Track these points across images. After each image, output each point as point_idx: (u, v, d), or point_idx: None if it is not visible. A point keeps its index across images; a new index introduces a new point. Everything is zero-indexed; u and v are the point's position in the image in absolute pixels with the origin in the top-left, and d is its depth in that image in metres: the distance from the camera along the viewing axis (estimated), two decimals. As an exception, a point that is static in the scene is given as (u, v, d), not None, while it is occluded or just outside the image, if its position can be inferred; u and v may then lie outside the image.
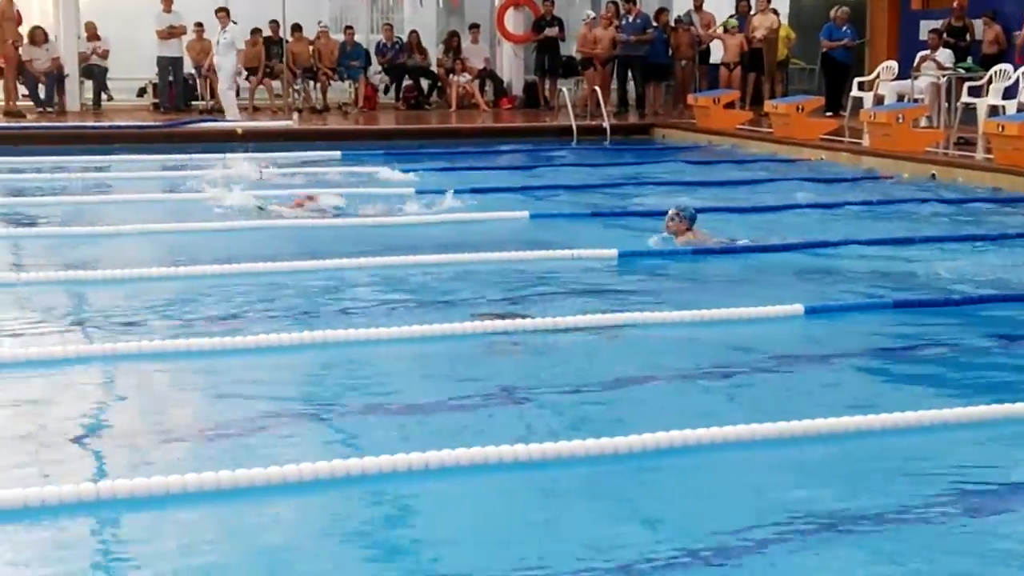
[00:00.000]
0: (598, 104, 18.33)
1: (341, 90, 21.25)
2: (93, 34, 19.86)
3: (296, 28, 20.44)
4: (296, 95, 20.67)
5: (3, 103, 18.92)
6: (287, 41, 20.17)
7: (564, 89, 19.48)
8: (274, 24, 20.30)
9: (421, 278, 8.27)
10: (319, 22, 21.04)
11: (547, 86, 21.37)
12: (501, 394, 5.84)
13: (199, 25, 19.75)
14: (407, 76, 21.48)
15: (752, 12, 20.48)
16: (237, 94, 18.96)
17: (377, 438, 5.16)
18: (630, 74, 20.52)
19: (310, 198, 11.14)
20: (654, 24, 20.25)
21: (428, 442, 4.90)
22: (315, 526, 4.35)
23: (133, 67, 20.47)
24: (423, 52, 21.72)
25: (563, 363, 6.41)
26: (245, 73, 19.17)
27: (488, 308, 7.41)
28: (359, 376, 6.21)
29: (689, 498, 4.63)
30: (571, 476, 4.77)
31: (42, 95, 18.98)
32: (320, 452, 4.85)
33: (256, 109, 20.04)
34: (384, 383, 6.06)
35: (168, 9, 19.32)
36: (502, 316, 7.16)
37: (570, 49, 21.61)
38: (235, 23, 18.60)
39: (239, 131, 17.02)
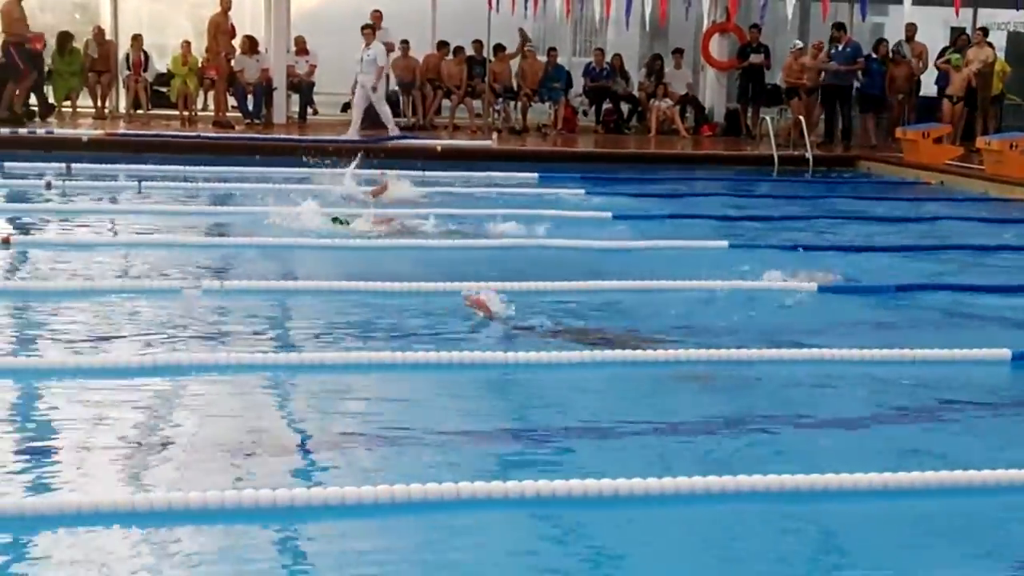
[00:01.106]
0: (802, 134, 17.89)
1: (541, 111, 21.28)
2: (302, 48, 20.37)
3: (499, 48, 20.58)
4: (496, 115, 20.79)
5: (213, 114, 19.56)
6: (490, 61, 20.32)
7: (767, 118, 19.08)
8: (477, 44, 20.47)
9: (615, 304, 8.13)
10: (521, 29, 21.04)
11: (750, 114, 21.00)
12: (688, 424, 5.70)
13: (405, 43, 20.08)
14: (607, 99, 21.39)
15: (968, 45, 19.71)
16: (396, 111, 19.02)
17: (559, 461, 5.10)
18: (837, 105, 19.99)
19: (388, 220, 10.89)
20: (872, 55, 19.67)
21: (610, 468, 4.80)
22: (492, 546, 4.32)
23: (338, 82, 20.87)
24: (625, 76, 21.62)
25: (755, 396, 6.27)
26: (379, 91, 19.00)
27: (681, 337, 7.19)
28: (546, 399, 6.14)
29: (871, 544, 4.43)
30: (756, 512, 4.65)
31: (250, 107, 19.55)
32: (503, 472, 4.79)
33: (456, 128, 20.22)
34: (571, 407, 5.98)
35: (377, 26, 19.64)
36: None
37: (775, 77, 21.20)
38: (382, 43, 18.64)
39: (438, 148, 17.17)
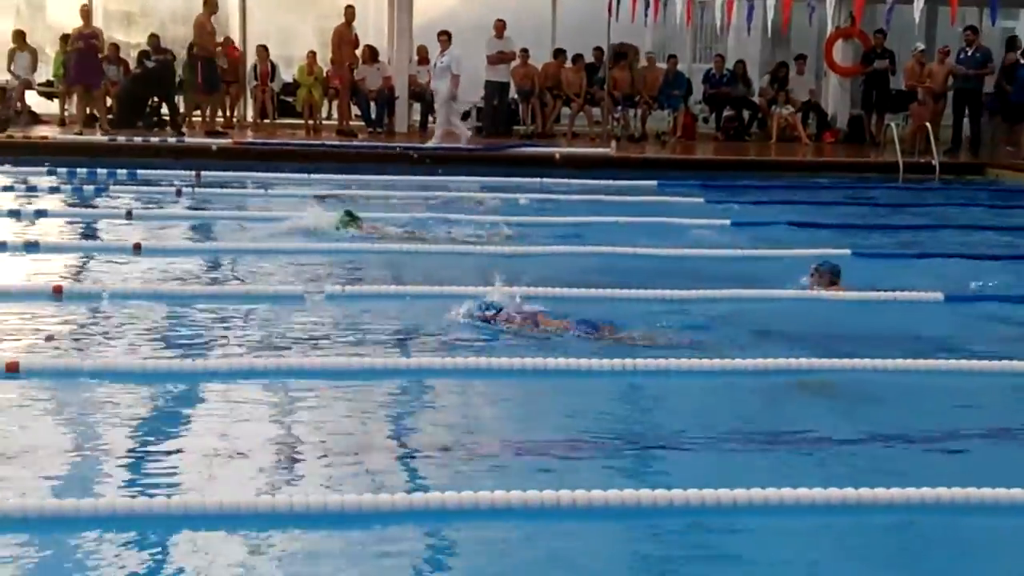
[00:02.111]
0: (928, 141, 17.53)
1: (660, 119, 21.20)
2: (424, 58, 20.56)
3: (619, 56, 20.54)
4: (615, 123, 20.76)
5: (337, 122, 19.87)
6: (609, 68, 20.31)
7: (892, 124, 18.74)
8: (598, 51, 20.48)
9: (733, 312, 8.07)
10: (613, 46, 20.97)
11: (873, 121, 20.63)
12: (808, 434, 5.65)
13: (525, 51, 20.15)
14: (728, 106, 21.22)
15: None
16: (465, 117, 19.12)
17: (684, 469, 5.10)
18: (967, 110, 19.54)
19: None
20: (1021, 60, 19.12)
21: (729, 478, 4.77)
22: (615, 553, 4.34)
23: (461, 90, 20.99)
24: (748, 82, 21.43)
25: (878, 406, 6.17)
26: (458, 98, 18.88)
27: (802, 346, 7.09)
28: (668, 407, 6.17)
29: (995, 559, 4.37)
30: (874, 525, 4.57)
31: (373, 116, 19.82)
32: (624, 481, 4.80)
33: (575, 136, 20.24)
34: (690, 416, 5.97)
35: (500, 35, 19.78)
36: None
37: (900, 83, 20.81)
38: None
39: (557, 157, 17.21)
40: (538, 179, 14.97)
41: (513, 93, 20.59)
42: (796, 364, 6.60)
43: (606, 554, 4.33)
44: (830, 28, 20.74)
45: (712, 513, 4.55)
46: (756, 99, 21.40)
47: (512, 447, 5.38)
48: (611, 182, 15.02)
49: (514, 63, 20.12)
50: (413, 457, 5.23)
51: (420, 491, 4.65)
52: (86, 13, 18.27)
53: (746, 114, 21.45)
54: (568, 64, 20.52)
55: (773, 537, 4.47)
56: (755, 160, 18.40)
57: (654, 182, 15.17)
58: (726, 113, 21.20)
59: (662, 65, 21.05)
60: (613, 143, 18.97)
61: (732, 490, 4.59)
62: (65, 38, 18.98)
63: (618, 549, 4.39)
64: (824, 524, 4.57)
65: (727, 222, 11.95)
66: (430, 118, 20.79)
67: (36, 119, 19.31)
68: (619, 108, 20.73)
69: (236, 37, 20.86)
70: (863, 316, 8.10)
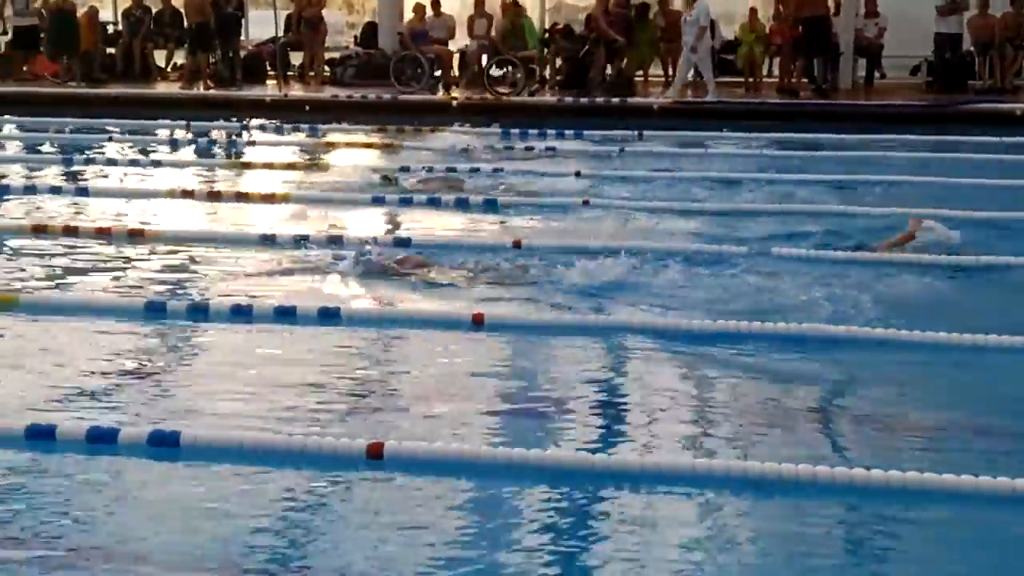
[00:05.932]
0: None
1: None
2: (872, 11, 19.86)
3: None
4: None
5: (778, 80, 19.56)
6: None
7: None
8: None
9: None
10: None
11: None
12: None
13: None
14: None
15: None
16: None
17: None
18: None
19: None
20: None
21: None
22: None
23: (908, 44, 20.15)
24: None
25: None
26: (699, 51, 17.88)
27: None
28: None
29: None
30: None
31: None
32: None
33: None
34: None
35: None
36: None
37: None
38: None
39: (1018, 112, 16.13)
40: (997, 138, 14.07)
41: (968, 45, 19.48)
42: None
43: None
44: None
45: None
46: None
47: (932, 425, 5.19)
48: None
49: (968, 13, 19.03)
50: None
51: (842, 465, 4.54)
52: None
53: None
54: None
55: None
56: None
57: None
58: None
59: None
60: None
61: None
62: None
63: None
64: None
65: None
66: (876, 73, 20.11)
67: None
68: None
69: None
70: None
